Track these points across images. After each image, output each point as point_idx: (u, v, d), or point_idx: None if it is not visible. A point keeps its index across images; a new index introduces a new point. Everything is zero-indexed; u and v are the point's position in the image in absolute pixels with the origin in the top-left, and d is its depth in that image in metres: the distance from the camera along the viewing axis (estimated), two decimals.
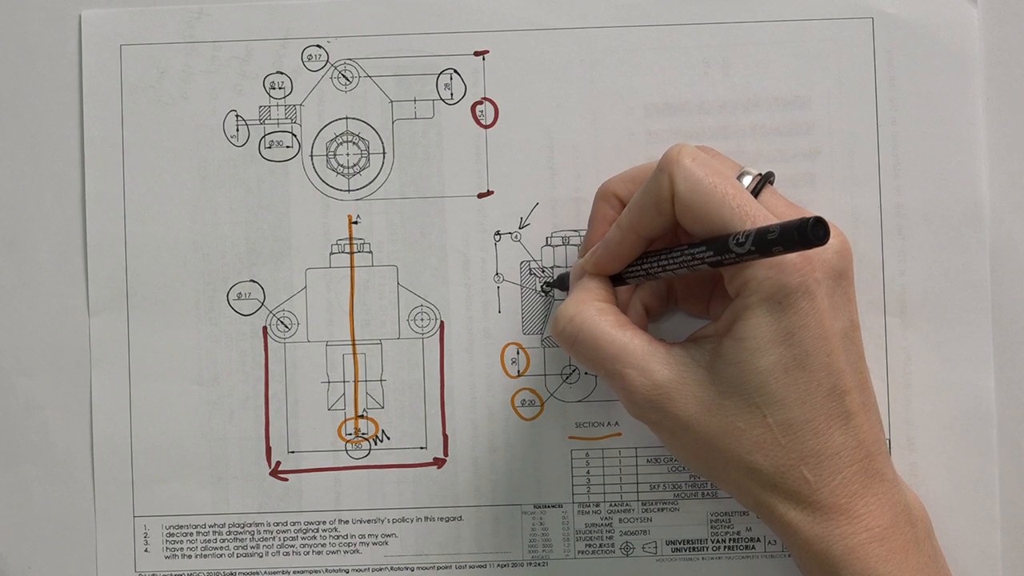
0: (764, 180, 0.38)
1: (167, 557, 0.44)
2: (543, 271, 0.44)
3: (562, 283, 0.43)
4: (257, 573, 0.44)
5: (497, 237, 0.44)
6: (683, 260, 0.36)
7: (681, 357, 0.36)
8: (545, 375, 0.44)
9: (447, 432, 0.44)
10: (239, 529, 0.44)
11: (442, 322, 0.44)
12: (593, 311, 0.37)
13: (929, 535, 0.38)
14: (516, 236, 0.44)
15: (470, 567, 0.44)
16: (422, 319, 0.44)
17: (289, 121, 0.44)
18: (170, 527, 0.44)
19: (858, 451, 0.36)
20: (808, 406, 0.35)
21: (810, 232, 0.31)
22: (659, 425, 0.37)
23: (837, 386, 0.35)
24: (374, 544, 0.44)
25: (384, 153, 0.44)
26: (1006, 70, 0.43)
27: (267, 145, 0.44)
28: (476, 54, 0.44)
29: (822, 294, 0.35)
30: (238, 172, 0.44)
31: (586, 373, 0.44)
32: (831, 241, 0.34)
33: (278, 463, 0.44)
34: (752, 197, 0.36)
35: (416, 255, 0.44)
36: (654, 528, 0.44)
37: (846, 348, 0.36)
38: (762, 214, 0.35)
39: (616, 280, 0.39)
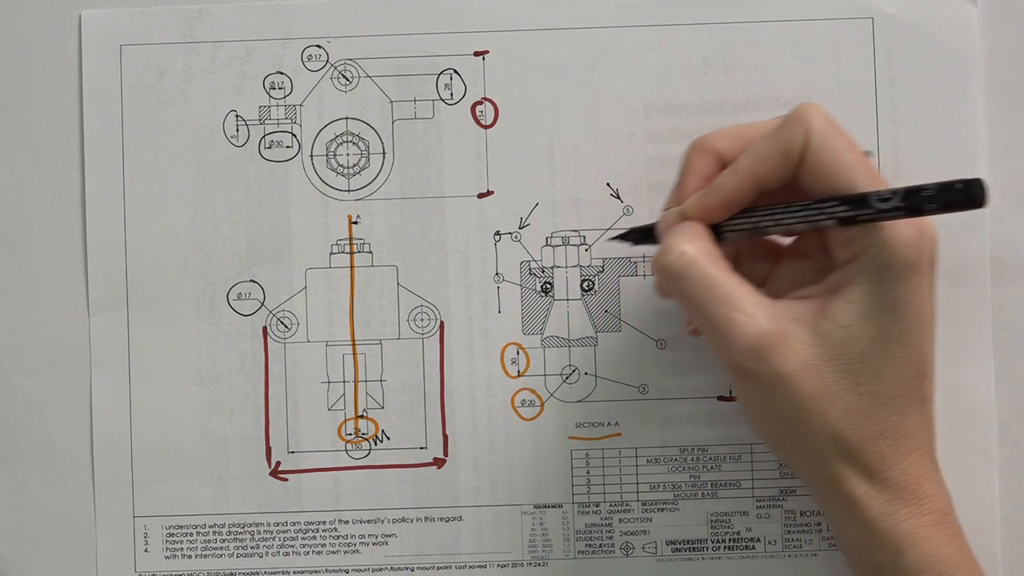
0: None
1: (167, 557, 0.44)
2: (543, 271, 0.44)
3: (644, 235, 0.41)
4: (257, 573, 0.44)
5: (497, 237, 0.44)
6: (806, 214, 0.35)
7: (785, 312, 0.36)
8: (545, 375, 0.44)
9: (447, 432, 0.44)
10: (239, 529, 0.44)
11: (442, 322, 0.44)
12: (706, 250, 0.36)
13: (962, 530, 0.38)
14: (516, 236, 0.44)
15: (470, 567, 0.44)
16: (422, 319, 0.44)
17: (289, 121, 0.44)
18: (170, 527, 0.44)
19: (926, 435, 0.36)
20: (897, 382, 0.35)
21: (973, 190, 0.31)
22: (754, 377, 0.36)
23: (922, 369, 0.36)
24: (374, 544, 0.44)
25: (384, 153, 0.44)
26: (1006, 70, 0.43)
27: (267, 145, 0.44)
28: (476, 54, 0.44)
29: (926, 275, 0.35)
30: (238, 172, 0.44)
31: (586, 373, 0.44)
32: (933, 231, 0.35)
33: (278, 463, 0.44)
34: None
35: (416, 255, 0.44)
36: (654, 528, 0.44)
37: (932, 334, 0.36)
38: (886, 182, 0.35)
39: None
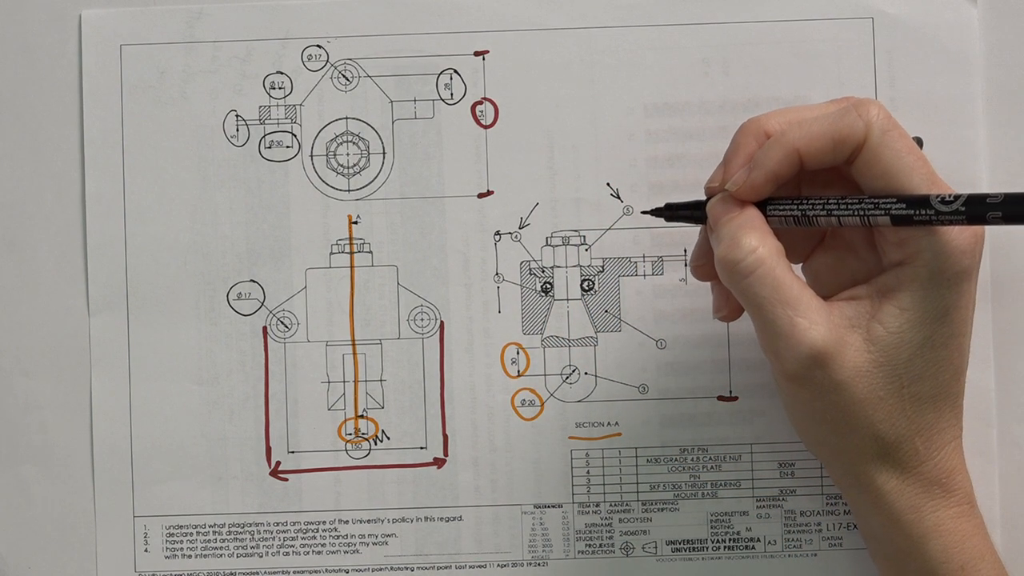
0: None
1: (167, 557, 0.44)
2: (543, 271, 0.44)
3: (682, 211, 0.39)
4: (257, 573, 0.44)
5: (497, 237, 0.44)
6: (860, 208, 0.35)
7: (840, 319, 0.35)
8: (545, 375, 0.44)
9: (447, 432, 0.44)
10: (239, 529, 0.44)
11: (442, 322, 0.44)
12: (775, 249, 0.36)
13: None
14: (516, 236, 0.44)
15: (470, 567, 0.44)
16: (422, 319, 0.44)
17: (289, 121, 0.44)
18: (170, 527, 0.44)
19: (956, 430, 0.37)
20: (938, 383, 0.36)
21: None
22: (806, 382, 0.36)
23: (959, 368, 0.36)
24: (374, 544, 0.44)
25: (384, 153, 0.44)
26: (1006, 70, 0.43)
27: (267, 145, 0.44)
28: (476, 54, 0.44)
29: (975, 279, 0.36)
30: (238, 172, 0.44)
31: (586, 373, 0.44)
32: (983, 235, 0.35)
33: (278, 463, 0.44)
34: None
35: (416, 255, 0.44)
36: (654, 528, 0.44)
37: (971, 332, 0.37)
38: (947, 188, 0.34)
39: None
